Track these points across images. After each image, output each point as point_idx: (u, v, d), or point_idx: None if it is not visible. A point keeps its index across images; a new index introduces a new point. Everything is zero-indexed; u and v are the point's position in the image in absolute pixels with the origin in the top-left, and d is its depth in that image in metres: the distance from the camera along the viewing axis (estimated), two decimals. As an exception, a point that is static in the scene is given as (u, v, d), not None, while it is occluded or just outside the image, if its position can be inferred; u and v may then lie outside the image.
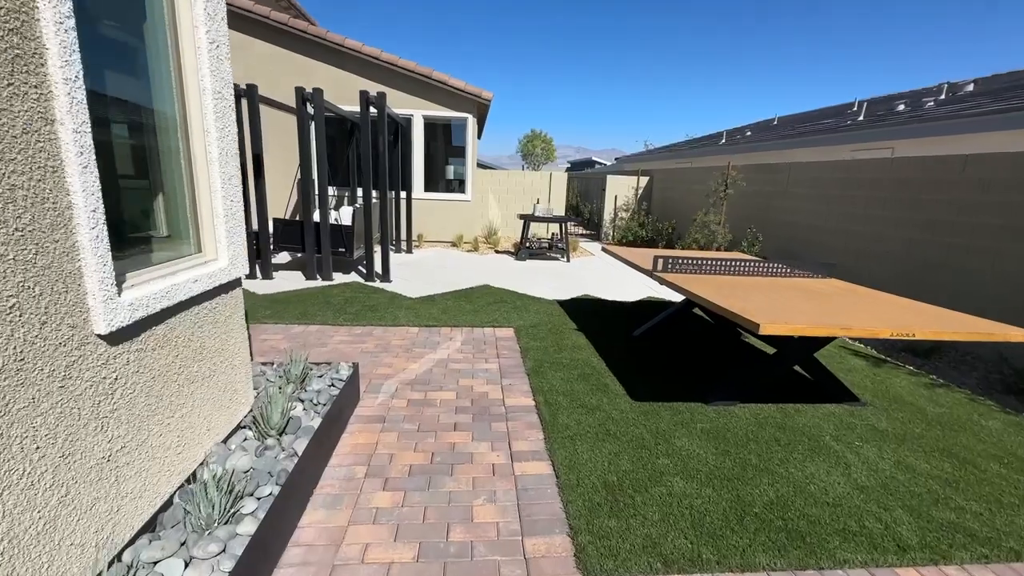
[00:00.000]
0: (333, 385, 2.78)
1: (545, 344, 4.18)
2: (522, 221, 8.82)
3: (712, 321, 5.03)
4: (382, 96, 5.95)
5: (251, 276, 6.17)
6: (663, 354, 4.07)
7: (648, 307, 5.74)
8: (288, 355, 3.23)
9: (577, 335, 4.48)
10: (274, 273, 6.55)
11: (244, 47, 8.70)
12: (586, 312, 5.34)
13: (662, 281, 3.50)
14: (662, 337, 4.52)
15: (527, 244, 8.71)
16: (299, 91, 5.77)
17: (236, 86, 5.64)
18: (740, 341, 4.56)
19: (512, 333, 4.50)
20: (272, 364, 2.96)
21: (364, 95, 5.85)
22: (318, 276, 6.31)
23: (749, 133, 13.00)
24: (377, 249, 6.63)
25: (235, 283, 2.23)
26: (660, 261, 3.66)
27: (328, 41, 8.63)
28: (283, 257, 7.58)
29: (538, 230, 11.08)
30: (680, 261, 3.71)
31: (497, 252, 9.43)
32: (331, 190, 9.30)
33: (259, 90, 5.92)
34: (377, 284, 6.20)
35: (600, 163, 35.87)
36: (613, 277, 7.45)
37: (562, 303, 5.68)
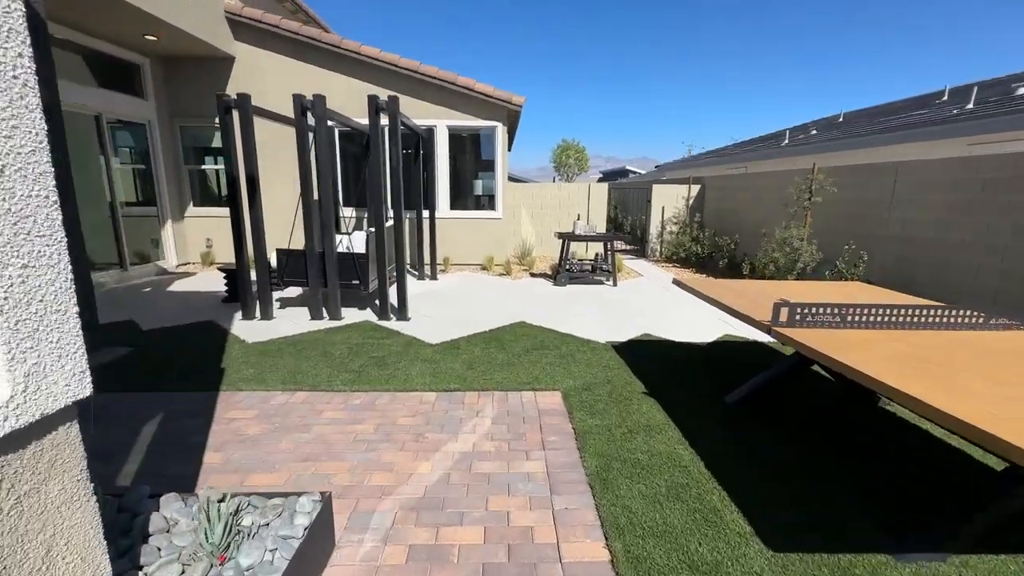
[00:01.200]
0: (288, 538, 1.71)
1: (608, 422, 3.01)
2: (560, 241, 7.69)
3: (832, 378, 3.74)
4: (394, 100, 4.99)
5: (248, 317, 5.28)
6: (782, 440, 2.83)
7: (731, 351, 4.48)
8: (207, 504, 2.17)
9: (648, 403, 3.29)
10: (277, 311, 5.64)
11: (252, 59, 8.02)
12: (651, 361, 4.14)
13: (797, 345, 2.29)
14: (767, 405, 3.27)
15: (567, 267, 7.57)
16: (297, 99, 4.88)
17: (225, 96, 4.80)
18: (882, 411, 3.27)
19: (559, 400, 3.35)
20: (190, 499, 1.91)
21: (373, 100, 4.91)
22: (325, 315, 5.36)
23: (815, 132, 11.49)
24: (395, 279, 5.63)
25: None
26: (786, 311, 2.45)
27: (342, 49, 7.84)
28: (295, 291, 6.71)
29: (578, 249, 9.93)
30: (816, 311, 2.49)
31: (532, 275, 8.33)
32: (349, 211, 8.46)
33: (266, 103, 5.07)
34: (392, 324, 5.18)
35: (634, 172, 34.37)
36: (671, 305, 6.20)
37: (618, 348, 4.49)
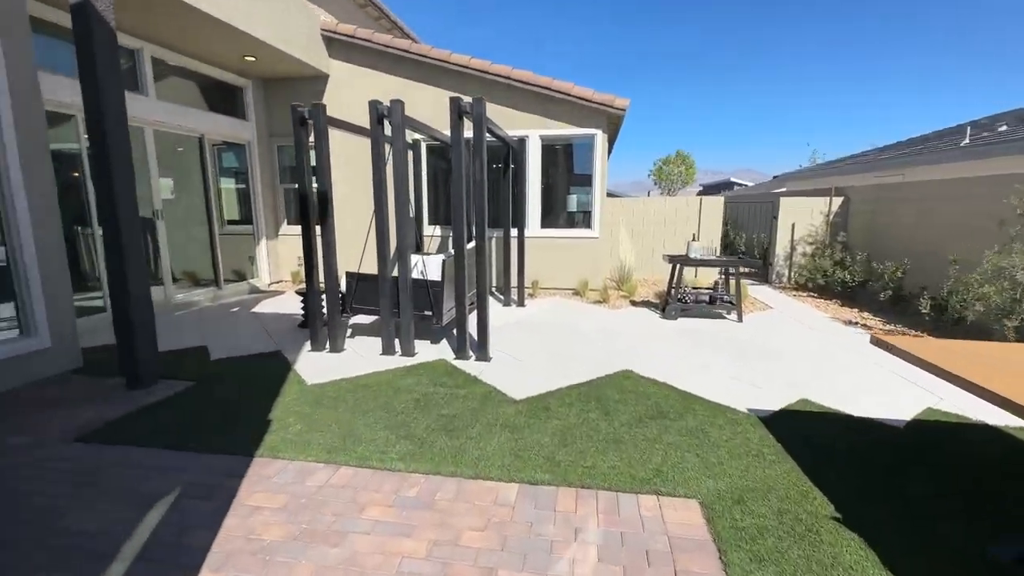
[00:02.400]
0: None
1: (790, 580, 1.85)
2: (671, 266, 6.46)
3: None
4: (479, 102, 4.23)
5: (317, 347, 4.76)
6: None
7: (957, 442, 3.02)
8: None
9: (848, 542, 2.06)
10: (349, 342, 5.10)
11: (344, 75, 7.85)
12: (826, 450, 2.85)
13: None
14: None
15: (678, 296, 6.31)
16: (373, 106, 4.30)
17: (300, 107, 4.34)
18: None
19: (699, 520, 2.24)
20: None
21: (455, 103, 4.18)
22: (397, 349, 4.69)
23: (1004, 127, 9.03)
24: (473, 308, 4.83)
25: None
26: None
27: (431, 59, 7.38)
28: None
29: (687, 273, 8.53)
30: None
31: (634, 304, 7.15)
32: (433, 230, 7.93)
33: (355, 118, 4.60)
34: (470, 365, 4.36)
35: (739, 184, 31.27)
36: (826, 351, 4.72)
37: (769, 421, 3.24)
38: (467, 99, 4.26)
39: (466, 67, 7.29)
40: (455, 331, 4.52)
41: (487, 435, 3.02)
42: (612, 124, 7.91)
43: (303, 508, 2.31)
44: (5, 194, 3.67)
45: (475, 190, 4.43)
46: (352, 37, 7.58)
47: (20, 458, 2.74)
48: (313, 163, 4.53)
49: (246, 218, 8.30)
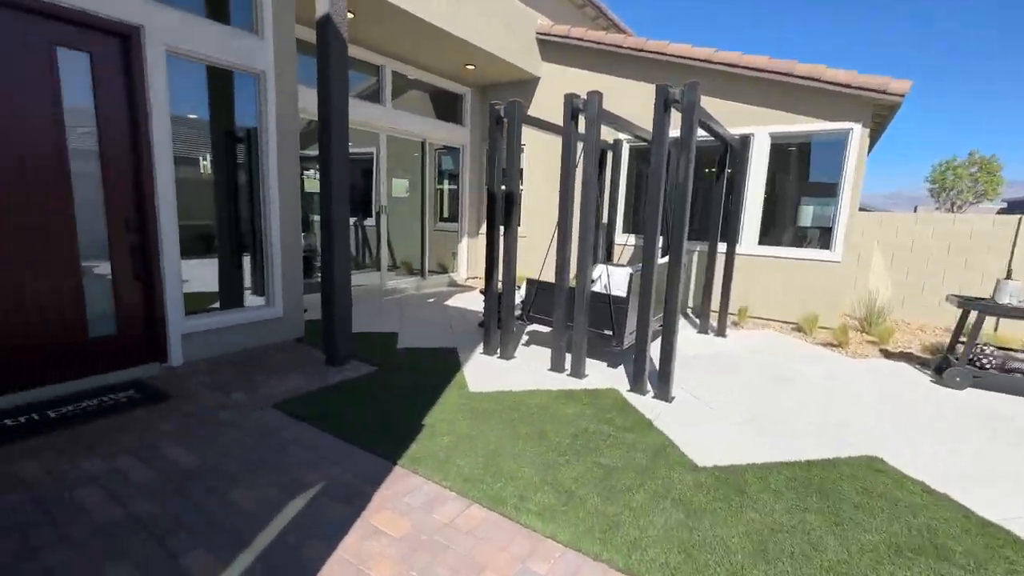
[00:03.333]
0: None
1: None
2: (960, 311, 4.54)
3: None
4: (692, 89, 3.46)
5: (489, 352, 4.66)
6: None
7: None
8: None
9: None
10: (521, 350, 4.89)
11: (555, 77, 7.77)
12: None
13: None
14: None
15: (971, 356, 4.38)
16: (568, 100, 3.92)
17: (496, 106, 4.24)
18: None
19: None
20: None
21: (662, 91, 3.51)
22: (566, 368, 4.26)
23: None
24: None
25: None
26: None
27: (646, 52, 6.73)
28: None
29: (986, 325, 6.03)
30: None
31: (887, 355, 5.30)
32: (628, 238, 7.29)
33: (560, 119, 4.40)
34: (646, 403, 3.66)
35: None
36: None
37: None
38: (676, 89, 3.54)
39: (684, 57, 6.42)
40: (634, 357, 3.88)
41: (652, 509, 2.34)
42: (878, 117, 6.05)
43: (421, 547, 2.02)
44: (266, 204, 4.43)
45: (676, 195, 3.68)
46: (566, 37, 7.43)
47: (234, 416, 3.16)
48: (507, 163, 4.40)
49: (453, 216, 8.98)
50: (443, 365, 4.33)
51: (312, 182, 6.49)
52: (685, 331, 5.73)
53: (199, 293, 4.34)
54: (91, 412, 3.09)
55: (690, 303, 6.81)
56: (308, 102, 5.05)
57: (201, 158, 4.34)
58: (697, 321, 6.12)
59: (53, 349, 3.37)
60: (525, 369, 4.32)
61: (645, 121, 5.29)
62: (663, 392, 3.74)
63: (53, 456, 2.58)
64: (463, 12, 6.18)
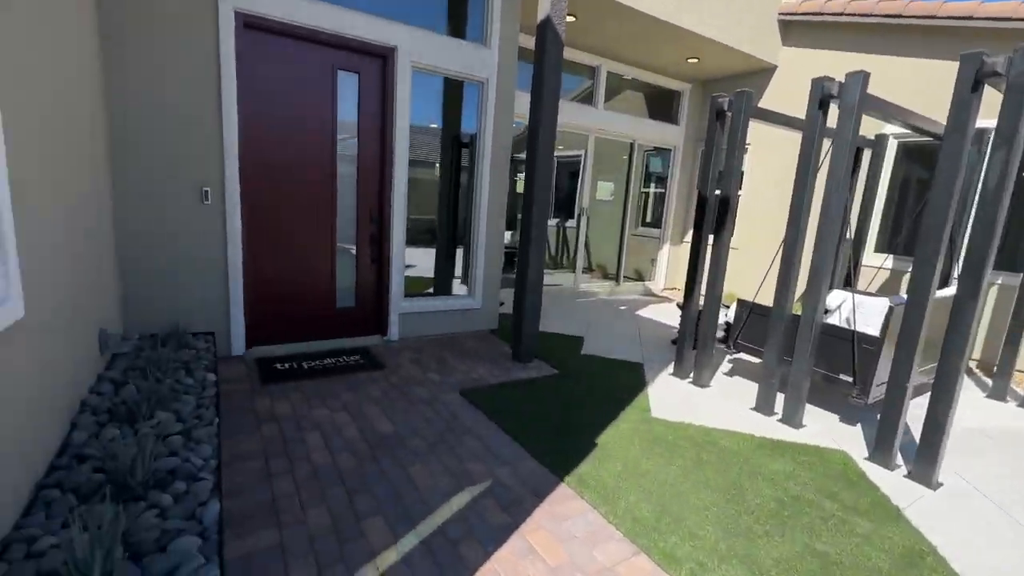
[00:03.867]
0: None
1: None
2: None
3: None
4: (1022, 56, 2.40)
5: (680, 374, 4.18)
6: None
7: None
8: None
9: None
10: (719, 379, 4.26)
11: (797, 63, 6.58)
12: None
13: None
14: None
15: None
16: (817, 85, 3.19)
17: (720, 97, 3.75)
18: None
19: None
20: None
21: (971, 61, 2.53)
22: (775, 412, 3.53)
23: None
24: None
25: None
26: None
27: (942, 18, 5.14)
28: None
29: None
30: None
31: None
32: (884, 260, 5.79)
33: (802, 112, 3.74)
34: (892, 481, 2.74)
35: None
36: None
37: None
38: (996, 57, 2.51)
39: (1009, 19, 4.68)
40: (881, 416, 2.94)
41: (894, 642, 1.67)
42: None
43: (575, 587, 1.82)
44: (477, 203, 4.77)
45: (982, 205, 2.64)
46: (819, 14, 6.20)
47: (427, 394, 3.46)
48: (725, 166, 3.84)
49: (656, 221, 8.45)
50: (626, 380, 4.02)
51: (522, 184, 6.83)
52: (968, 392, 4.20)
53: (415, 278, 4.95)
54: (329, 368, 3.75)
55: (975, 355, 5.00)
56: (522, 107, 5.26)
57: (415, 161, 4.92)
58: (988, 382, 4.45)
59: (312, 315, 4.21)
60: (721, 402, 3.72)
61: (926, 110, 4.05)
62: (924, 472, 2.75)
63: (299, 399, 3.18)
64: (698, 2, 5.66)
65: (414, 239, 4.84)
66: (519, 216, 7.01)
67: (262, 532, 1.95)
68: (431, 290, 5.16)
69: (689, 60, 6.81)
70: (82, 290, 2.47)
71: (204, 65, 3.38)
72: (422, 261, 5.25)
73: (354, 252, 4.34)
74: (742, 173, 7.08)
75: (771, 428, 3.31)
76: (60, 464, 1.92)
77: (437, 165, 5.04)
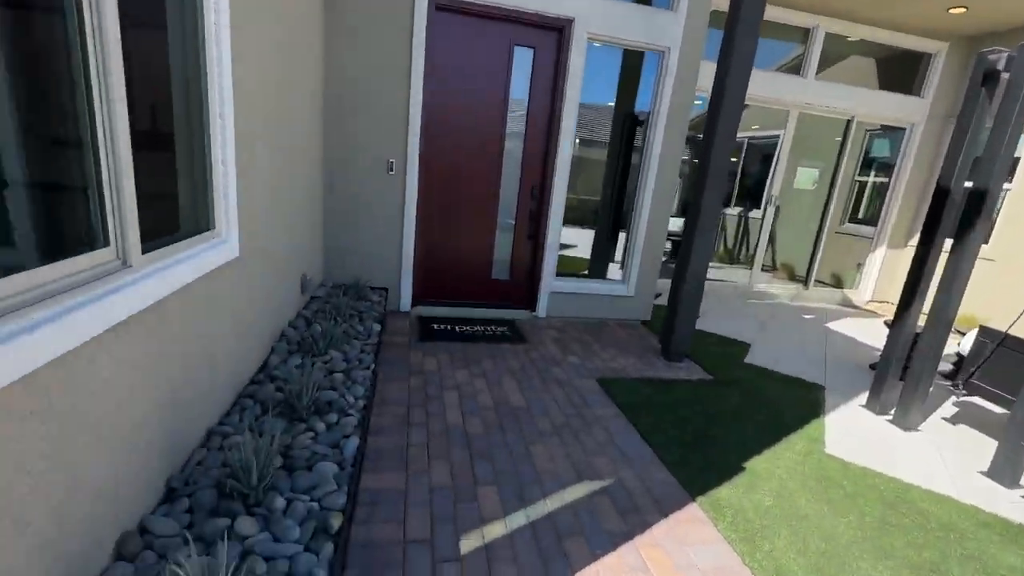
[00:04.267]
0: None
1: None
2: None
3: None
4: None
5: (875, 408, 3.38)
6: None
7: None
8: None
9: None
10: (932, 423, 3.33)
11: None
12: None
13: None
14: None
15: None
16: None
17: (992, 53, 2.82)
18: None
19: None
20: None
21: None
22: (1020, 485, 2.60)
23: None
24: None
25: None
26: None
27: None
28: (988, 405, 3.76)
29: None
30: None
31: None
32: None
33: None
34: None
35: None
36: None
37: None
38: None
39: None
40: None
41: None
42: None
43: (687, 624, 1.59)
44: (642, 185, 4.45)
45: None
46: None
47: (563, 375, 3.42)
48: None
49: (871, 218, 6.91)
50: (797, 402, 3.40)
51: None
52: None
53: (570, 258, 4.89)
54: (477, 335, 3.95)
55: None
56: (707, 80, 4.69)
57: (578, 140, 4.74)
58: None
59: (469, 282, 4.48)
60: (932, 453, 2.89)
61: None
62: None
63: (446, 359, 3.42)
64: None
65: (574, 219, 4.77)
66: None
67: (390, 474, 2.14)
68: (585, 272, 5.05)
69: (952, 10, 5.25)
70: (291, 239, 2.99)
71: (399, 48, 3.74)
72: (581, 241, 5.16)
73: (513, 226, 4.46)
74: (1016, 160, 5.31)
75: (1010, 505, 2.45)
76: (257, 380, 2.36)
77: (605, 144, 4.84)
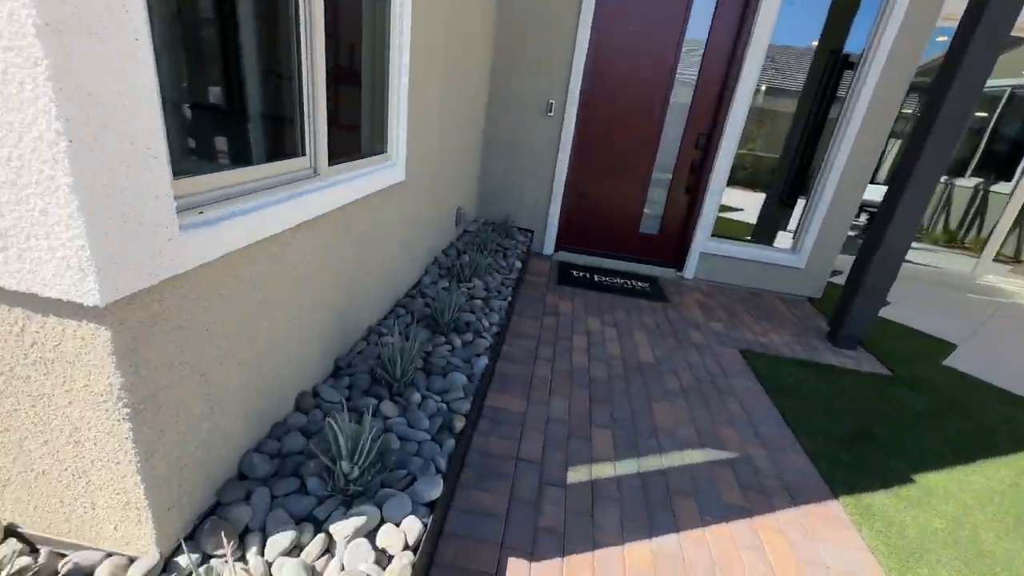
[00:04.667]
0: None
1: None
2: None
3: None
4: None
5: None
6: None
7: None
8: None
9: None
10: None
11: None
12: None
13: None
14: None
15: None
16: None
17: None
18: None
19: None
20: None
21: None
22: None
23: None
24: None
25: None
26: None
27: None
28: None
29: None
30: None
31: None
32: None
33: None
34: None
35: None
36: None
37: None
38: None
39: None
40: None
41: None
42: None
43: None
44: (833, 143, 3.70)
45: None
46: None
47: (701, 339, 3.20)
48: None
49: None
50: (1012, 422, 2.70)
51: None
52: None
53: (732, 221, 4.42)
54: (615, 287, 3.88)
55: None
56: (955, 6, 3.62)
57: (763, 88, 4.07)
58: None
59: (614, 234, 4.36)
60: None
61: None
62: None
63: (580, 304, 3.45)
64: None
65: (744, 180, 4.27)
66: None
67: (513, 399, 2.28)
68: (748, 237, 4.54)
69: None
70: (451, 173, 3.22)
71: (573, -19, 3.60)
72: (748, 206, 4.62)
73: (669, 179, 4.16)
74: None
75: None
76: (411, 294, 2.67)
77: (795, 94, 4.14)
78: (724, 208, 4.12)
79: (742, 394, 2.61)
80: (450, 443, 1.62)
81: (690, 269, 4.26)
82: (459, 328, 2.36)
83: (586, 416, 2.24)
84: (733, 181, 4.00)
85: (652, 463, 2.00)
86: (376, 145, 2.12)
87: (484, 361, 2.12)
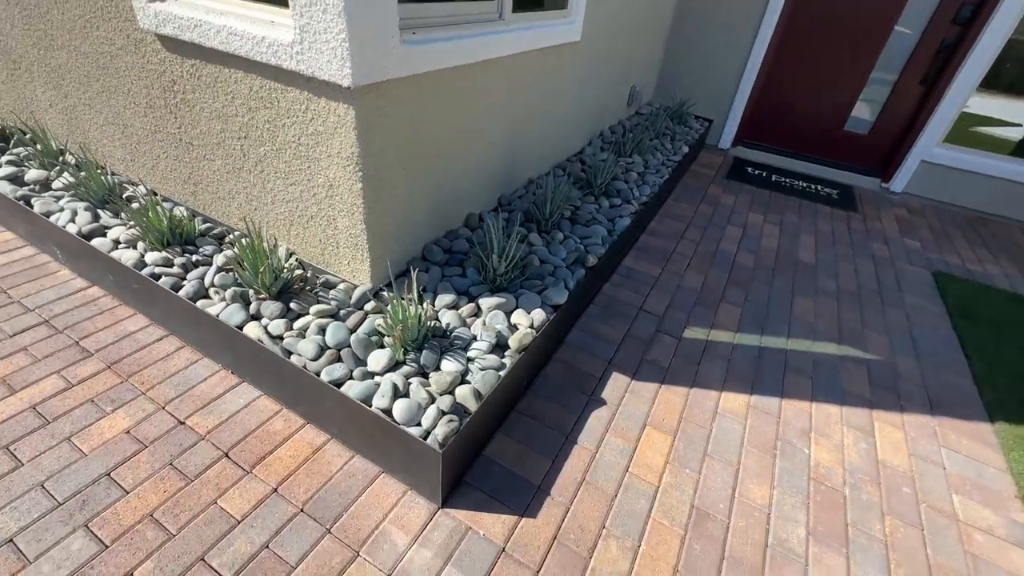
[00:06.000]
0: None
1: None
2: None
3: None
4: None
5: None
6: None
7: None
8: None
9: None
10: None
11: None
12: None
13: None
14: None
15: None
16: None
17: None
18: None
19: None
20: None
21: None
22: None
23: None
24: None
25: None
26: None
27: None
28: None
29: None
30: None
31: None
32: None
33: None
34: None
35: None
36: None
37: None
38: None
39: None
40: None
41: None
42: None
43: None
44: None
45: None
46: None
47: (891, 254, 2.83)
48: None
49: None
50: None
51: None
52: None
53: (982, 134, 3.47)
54: (793, 190, 3.52)
55: None
56: None
57: None
58: None
59: (810, 131, 3.83)
60: None
61: None
62: None
63: (745, 200, 3.25)
64: None
65: (1009, 80, 3.26)
66: None
67: (649, 264, 2.42)
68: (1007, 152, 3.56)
69: None
70: (628, 47, 3.15)
71: None
72: (1012, 116, 3.56)
73: (901, 67, 3.40)
74: None
75: None
76: (571, 159, 2.86)
77: None
78: (973, 119, 3.27)
79: (913, 310, 2.33)
80: (580, 271, 1.88)
81: (901, 180, 3.59)
82: (609, 193, 2.52)
83: (718, 293, 2.29)
84: (990, 84, 3.11)
85: (774, 343, 2.02)
86: (559, 1, 2.22)
87: (626, 221, 2.27)
